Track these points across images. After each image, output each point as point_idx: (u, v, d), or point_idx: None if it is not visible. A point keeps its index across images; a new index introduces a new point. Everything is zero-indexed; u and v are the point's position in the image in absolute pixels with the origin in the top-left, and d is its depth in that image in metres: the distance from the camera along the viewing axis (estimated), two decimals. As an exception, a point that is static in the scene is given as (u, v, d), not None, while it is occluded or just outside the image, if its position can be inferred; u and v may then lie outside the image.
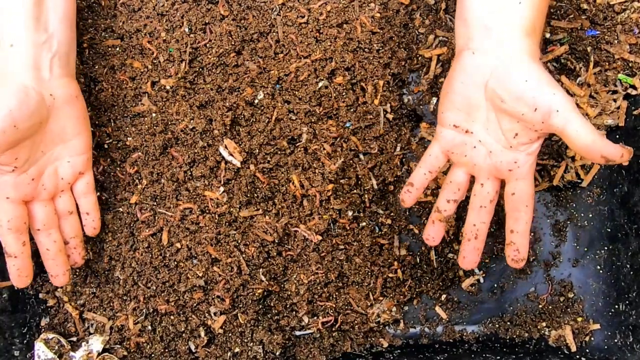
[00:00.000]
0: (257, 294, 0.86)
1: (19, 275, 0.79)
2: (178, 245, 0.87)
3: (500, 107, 0.71)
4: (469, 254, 0.80)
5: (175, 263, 0.87)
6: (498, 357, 0.89)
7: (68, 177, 0.82)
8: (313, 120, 0.90)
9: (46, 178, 0.80)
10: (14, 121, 0.71)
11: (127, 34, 0.89)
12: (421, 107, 0.96)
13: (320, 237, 0.89)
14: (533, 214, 0.76)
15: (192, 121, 0.87)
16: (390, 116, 0.93)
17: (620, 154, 0.65)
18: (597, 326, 0.92)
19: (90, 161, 0.84)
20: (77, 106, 0.80)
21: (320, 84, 0.89)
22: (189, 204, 0.87)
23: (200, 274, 0.86)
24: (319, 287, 0.90)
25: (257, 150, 0.89)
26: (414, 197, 0.82)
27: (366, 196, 0.93)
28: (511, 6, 0.70)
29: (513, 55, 0.70)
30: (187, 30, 0.88)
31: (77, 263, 0.86)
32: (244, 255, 0.87)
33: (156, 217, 0.88)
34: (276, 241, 0.87)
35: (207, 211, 0.88)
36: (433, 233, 0.82)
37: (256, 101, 0.89)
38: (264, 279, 0.87)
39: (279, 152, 0.89)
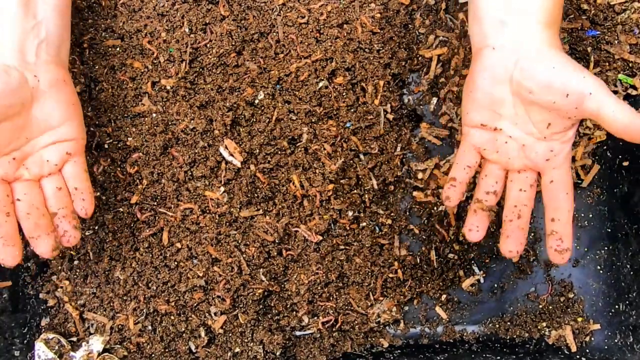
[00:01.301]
0: (257, 294, 0.86)
1: (3, 244, 0.71)
2: (178, 245, 0.87)
3: (528, 99, 0.70)
4: (513, 232, 0.74)
5: (176, 263, 0.87)
6: (498, 357, 0.89)
7: (55, 159, 0.77)
8: (313, 121, 0.90)
9: (31, 162, 0.76)
10: None
11: (127, 34, 0.89)
12: (421, 107, 0.96)
13: (320, 237, 0.89)
14: (574, 203, 0.73)
15: (192, 121, 0.87)
16: (390, 116, 0.93)
17: None
18: (597, 326, 0.92)
19: (83, 146, 0.79)
20: (64, 91, 0.77)
21: (320, 84, 0.89)
22: (189, 204, 0.87)
23: (201, 274, 0.86)
24: (319, 287, 0.90)
25: (258, 151, 0.89)
26: (459, 192, 0.76)
27: (366, 196, 0.93)
28: None
29: (534, 47, 0.68)
30: (187, 30, 0.88)
31: (67, 234, 0.76)
32: (244, 256, 0.87)
33: (156, 217, 0.88)
34: (276, 241, 0.88)
35: (208, 211, 0.88)
36: (477, 222, 0.76)
37: (256, 101, 0.89)
38: (264, 279, 0.87)
39: (279, 152, 0.89)
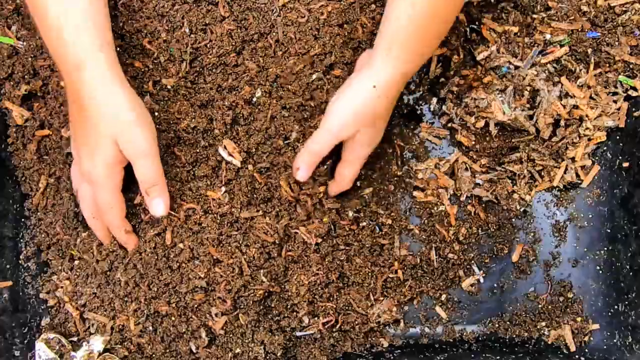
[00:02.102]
0: (258, 295, 0.86)
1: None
2: (181, 245, 0.87)
3: None
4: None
5: (178, 264, 0.87)
6: (498, 357, 0.90)
7: None
8: (305, 117, 0.89)
9: None
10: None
11: (127, 34, 0.89)
12: (421, 107, 0.96)
13: (320, 240, 0.89)
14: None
15: (193, 120, 0.87)
16: (390, 116, 0.92)
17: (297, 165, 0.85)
18: (596, 326, 0.93)
19: None
20: None
21: (314, 76, 0.88)
22: (192, 204, 0.87)
23: (202, 275, 0.86)
24: (319, 288, 0.89)
25: (254, 150, 0.88)
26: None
27: (366, 196, 0.93)
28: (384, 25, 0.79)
29: (366, 73, 0.80)
30: (187, 30, 0.88)
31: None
32: (245, 257, 0.87)
33: (160, 218, 0.88)
34: (277, 242, 0.87)
35: (210, 211, 0.88)
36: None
37: (254, 99, 0.89)
38: (265, 280, 0.87)
39: (275, 152, 0.89)
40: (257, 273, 0.87)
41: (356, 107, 0.80)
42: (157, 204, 0.83)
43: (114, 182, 0.82)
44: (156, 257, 0.87)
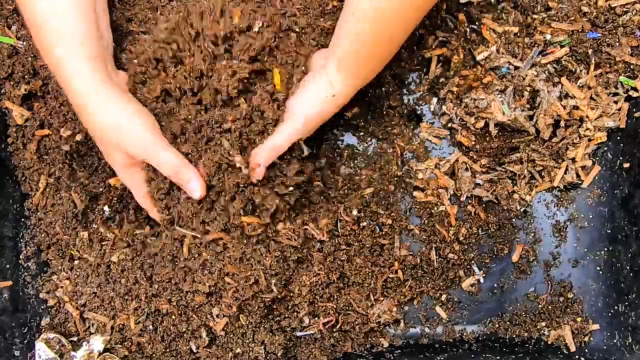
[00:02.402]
0: (266, 302, 0.85)
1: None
2: (197, 256, 0.85)
3: None
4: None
5: (184, 265, 0.85)
6: (498, 357, 0.90)
7: None
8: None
9: None
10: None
11: (119, 27, 0.88)
12: (421, 107, 0.96)
13: (327, 237, 0.88)
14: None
15: (190, 51, 0.80)
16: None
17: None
18: (596, 327, 0.93)
19: None
20: None
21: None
22: (221, 234, 0.84)
23: (210, 284, 0.84)
24: (320, 288, 0.89)
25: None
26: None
27: (366, 196, 0.93)
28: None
29: (325, 78, 0.81)
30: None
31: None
32: (263, 268, 0.85)
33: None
34: (298, 247, 0.87)
35: (240, 236, 0.84)
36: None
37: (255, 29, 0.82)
38: (275, 289, 0.85)
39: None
40: (269, 282, 0.85)
41: (318, 112, 0.81)
42: (192, 188, 0.81)
43: (138, 182, 0.84)
44: (164, 254, 0.85)
